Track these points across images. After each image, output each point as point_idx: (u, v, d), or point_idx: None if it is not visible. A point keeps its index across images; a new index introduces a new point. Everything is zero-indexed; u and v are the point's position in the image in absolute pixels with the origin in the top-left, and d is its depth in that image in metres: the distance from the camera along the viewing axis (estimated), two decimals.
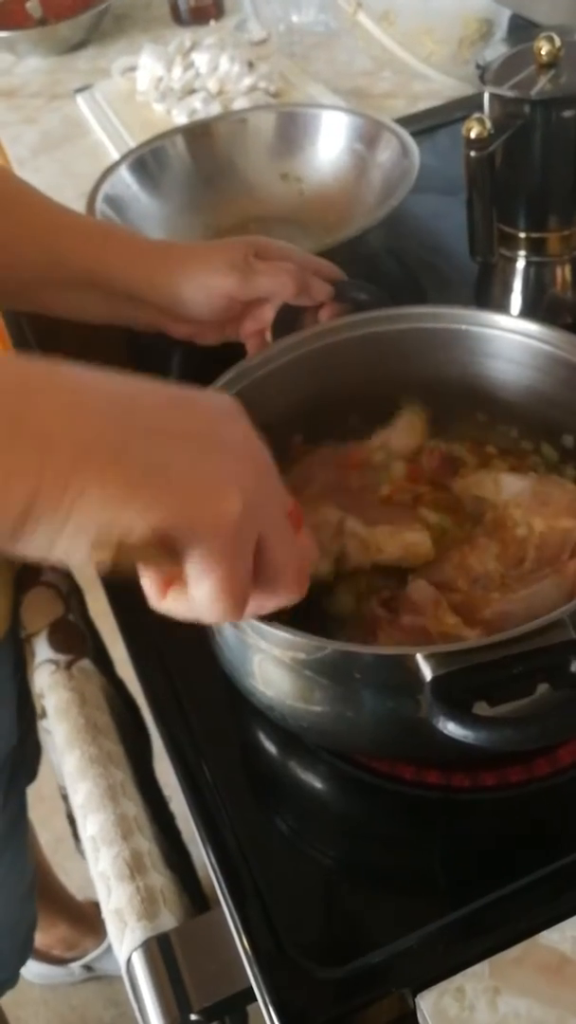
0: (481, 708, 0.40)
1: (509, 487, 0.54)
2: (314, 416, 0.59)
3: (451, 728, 0.39)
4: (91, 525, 0.32)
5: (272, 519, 0.38)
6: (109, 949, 1.22)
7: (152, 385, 0.37)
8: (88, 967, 1.23)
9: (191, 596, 0.36)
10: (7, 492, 0.31)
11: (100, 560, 0.34)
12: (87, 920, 1.22)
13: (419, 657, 0.40)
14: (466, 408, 0.59)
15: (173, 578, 0.37)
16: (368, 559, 0.52)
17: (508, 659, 0.40)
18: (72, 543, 0.33)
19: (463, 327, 0.55)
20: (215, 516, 0.35)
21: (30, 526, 0.32)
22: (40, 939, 1.19)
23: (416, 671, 0.40)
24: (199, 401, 0.38)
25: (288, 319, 0.61)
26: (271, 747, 0.54)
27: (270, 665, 0.45)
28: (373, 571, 0.53)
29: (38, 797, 0.90)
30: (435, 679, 0.39)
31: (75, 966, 1.23)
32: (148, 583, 0.38)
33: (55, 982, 1.25)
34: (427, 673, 0.40)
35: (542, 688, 0.41)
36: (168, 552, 0.35)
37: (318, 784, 0.52)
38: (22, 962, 0.87)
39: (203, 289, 0.61)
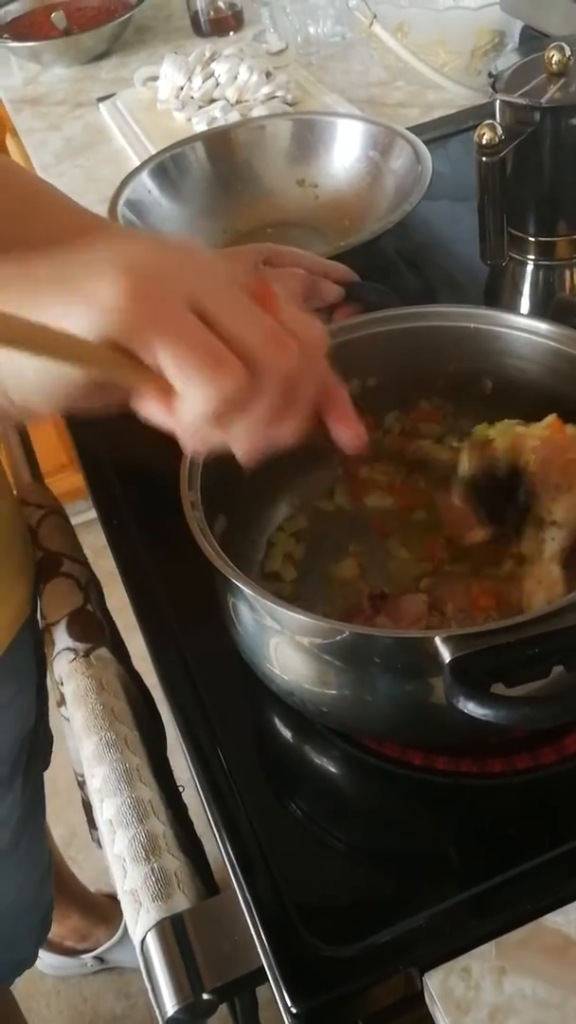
0: (498, 690, 0.41)
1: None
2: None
3: (471, 707, 0.39)
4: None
5: (201, 287, 0.36)
6: (121, 940, 1.22)
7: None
8: (100, 958, 1.23)
9: (183, 395, 0.36)
10: None
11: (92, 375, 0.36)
12: (99, 911, 1.23)
13: (438, 640, 0.41)
14: (476, 404, 0.59)
15: (166, 393, 0.37)
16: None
17: (524, 641, 0.41)
18: None
19: (472, 326, 0.57)
20: (99, 301, 0.35)
21: None
22: (53, 930, 1.20)
23: (435, 654, 0.41)
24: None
25: None
26: (285, 734, 0.55)
27: (287, 649, 0.47)
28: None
29: (53, 791, 0.91)
30: (454, 661, 0.40)
31: (87, 957, 1.23)
32: (151, 407, 0.38)
33: (67, 973, 1.25)
34: (445, 655, 0.40)
35: (557, 670, 0.41)
36: (136, 363, 0.36)
37: (330, 769, 0.53)
38: (40, 943, 0.89)
39: None
